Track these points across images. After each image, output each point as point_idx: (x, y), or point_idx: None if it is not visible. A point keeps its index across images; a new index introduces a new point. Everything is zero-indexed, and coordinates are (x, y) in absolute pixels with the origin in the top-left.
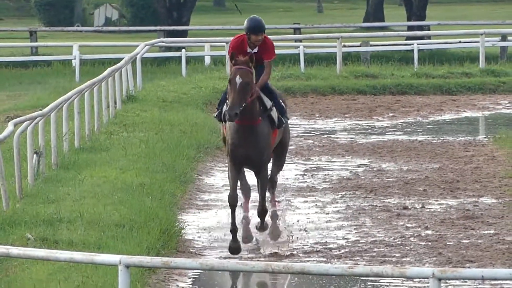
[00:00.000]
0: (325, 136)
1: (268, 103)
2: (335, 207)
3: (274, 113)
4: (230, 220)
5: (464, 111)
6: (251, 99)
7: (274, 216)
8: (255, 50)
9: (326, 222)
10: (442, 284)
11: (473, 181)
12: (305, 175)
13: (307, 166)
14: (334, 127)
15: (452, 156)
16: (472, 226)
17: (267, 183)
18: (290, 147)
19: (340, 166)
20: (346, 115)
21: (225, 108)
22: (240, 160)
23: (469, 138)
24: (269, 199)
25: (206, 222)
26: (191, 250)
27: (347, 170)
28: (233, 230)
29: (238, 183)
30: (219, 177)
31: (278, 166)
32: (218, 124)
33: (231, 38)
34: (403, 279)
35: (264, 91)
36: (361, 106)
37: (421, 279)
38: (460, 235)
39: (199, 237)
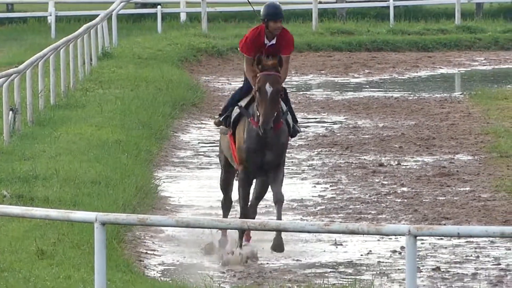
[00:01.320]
0: (301, 92)
1: (284, 107)
2: (311, 164)
3: (290, 118)
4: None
5: (440, 67)
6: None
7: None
8: (273, 41)
9: (302, 179)
10: (418, 242)
11: (449, 138)
12: None
13: None
14: (310, 84)
15: (428, 113)
16: (448, 183)
17: (282, 182)
18: None
19: (316, 123)
20: (321, 71)
21: (235, 111)
22: (258, 167)
23: (445, 95)
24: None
25: (182, 179)
26: (167, 207)
27: (323, 127)
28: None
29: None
30: (195, 134)
31: (263, 193)
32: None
33: None
34: (379, 236)
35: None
36: (337, 63)
37: (397, 236)
38: (436, 192)
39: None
